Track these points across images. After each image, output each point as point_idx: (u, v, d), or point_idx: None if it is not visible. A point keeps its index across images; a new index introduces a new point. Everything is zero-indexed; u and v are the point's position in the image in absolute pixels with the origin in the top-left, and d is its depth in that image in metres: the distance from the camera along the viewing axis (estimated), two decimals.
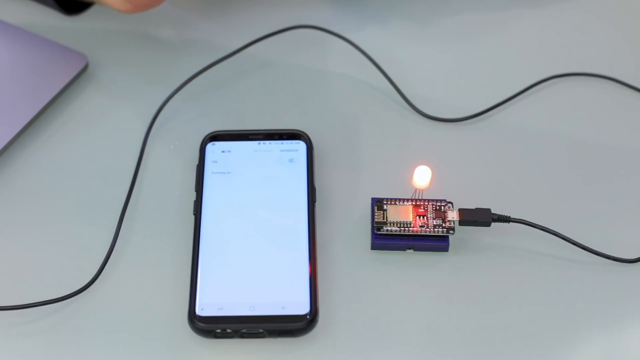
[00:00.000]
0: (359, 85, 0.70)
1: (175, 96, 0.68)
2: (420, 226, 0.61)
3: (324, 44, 0.72)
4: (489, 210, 0.61)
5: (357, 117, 0.68)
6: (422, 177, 0.61)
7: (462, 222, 0.61)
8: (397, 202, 0.62)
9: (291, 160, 0.64)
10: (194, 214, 0.62)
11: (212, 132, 0.65)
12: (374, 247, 0.61)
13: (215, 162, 0.64)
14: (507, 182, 0.65)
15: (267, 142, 0.65)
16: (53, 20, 0.72)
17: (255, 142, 0.65)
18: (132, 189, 0.64)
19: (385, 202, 0.62)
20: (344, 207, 0.63)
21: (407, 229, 0.61)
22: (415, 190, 0.61)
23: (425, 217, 0.61)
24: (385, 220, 0.61)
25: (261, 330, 0.57)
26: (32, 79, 0.68)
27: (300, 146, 0.65)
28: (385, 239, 0.61)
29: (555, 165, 0.66)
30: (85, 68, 0.69)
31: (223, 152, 0.65)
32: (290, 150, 0.65)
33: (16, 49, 0.69)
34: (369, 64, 0.70)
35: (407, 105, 0.69)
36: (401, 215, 0.61)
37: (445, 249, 0.61)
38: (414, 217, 0.61)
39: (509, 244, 0.62)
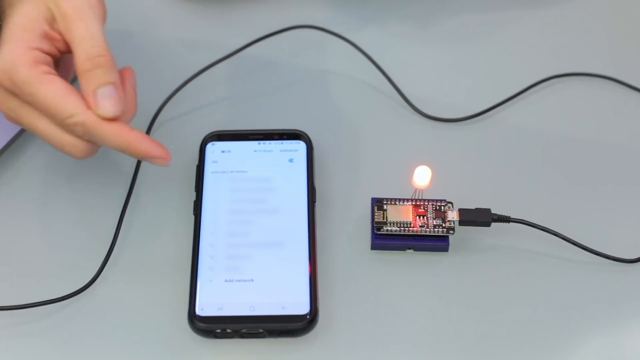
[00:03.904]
0: (359, 85, 0.70)
1: (175, 96, 0.68)
2: (420, 226, 0.61)
3: (324, 44, 0.72)
4: (489, 210, 0.61)
5: (357, 117, 0.68)
6: (422, 177, 0.61)
7: (462, 222, 0.61)
8: (397, 202, 0.62)
9: (291, 160, 0.64)
10: (194, 214, 0.62)
11: (212, 132, 0.65)
12: (374, 247, 0.61)
13: (215, 162, 0.64)
14: (507, 182, 0.65)
15: (267, 142, 0.65)
16: None
17: (255, 142, 0.65)
18: (132, 189, 0.64)
19: (385, 202, 0.62)
20: (344, 207, 0.63)
21: (407, 229, 0.61)
22: (415, 190, 0.61)
23: (425, 217, 0.61)
24: (385, 220, 0.61)
25: (261, 330, 0.57)
26: None
27: (300, 146, 0.65)
28: (385, 239, 0.61)
29: (555, 165, 0.66)
30: None
31: (223, 152, 0.65)
32: (290, 150, 0.65)
33: None
34: (369, 64, 0.70)
35: (407, 105, 0.69)
36: (401, 215, 0.61)
37: (445, 249, 0.61)
38: (414, 217, 0.61)
39: (509, 244, 0.62)
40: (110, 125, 0.56)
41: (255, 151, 0.65)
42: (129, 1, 0.73)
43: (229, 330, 0.57)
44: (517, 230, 0.61)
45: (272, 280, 0.59)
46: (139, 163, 0.65)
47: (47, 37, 0.57)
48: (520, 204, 0.63)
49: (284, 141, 0.65)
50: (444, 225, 0.61)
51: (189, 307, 0.58)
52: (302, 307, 0.57)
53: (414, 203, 0.62)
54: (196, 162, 0.64)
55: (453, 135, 0.68)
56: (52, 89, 0.55)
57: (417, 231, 0.61)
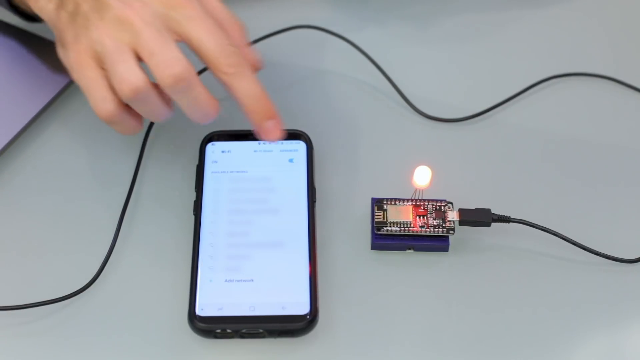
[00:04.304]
0: (359, 85, 0.70)
1: None
2: (420, 226, 0.61)
3: (324, 44, 0.72)
4: (489, 210, 0.61)
5: (357, 117, 0.68)
6: (422, 177, 0.61)
7: (462, 222, 0.61)
8: (397, 202, 0.62)
9: (291, 160, 0.64)
10: (194, 214, 0.62)
11: (212, 132, 0.65)
12: (374, 247, 0.61)
13: (215, 162, 0.64)
14: (507, 182, 0.65)
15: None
16: None
17: (255, 142, 0.65)
18: (132, 189, 0.64)
19: (385, 202, 0.62)
20: (344, 207, 0.63)
21: (407, 229, 0.61)
22: (415, 190, 0.61)
23: (425, 217, 0.61)
24: (385, 220, 0.61)
25: (261, 330, 0.57)
26: (32, 79, 0.68)
27: (300, 146, 0.65)
28: (385, 239, 0.61)
29: (555, 165, 0.66)
30: None
31: (223, 152, 0.65)
32: (290, 150, 0.65)
33: (17, 49, 0.69)
34: (369, 64, 0.70)
35: (407, 105, 0.69)
36: (401, 215, 0.61)
37: (445, 249, 0.61)
38: (414, 217, 0.61)
39: (509, 244, 0.62)
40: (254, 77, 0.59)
41: (255, 151, 0.65)
42: None
43: (229, 331, 0.57)
44: (517, 230, 0.61)
45: (272, 280, 0.59)
46: (139, 163, 0.65)
47: None
48: (520, 204, 0.63)
49: (284, 141, 0.65)
50: (444, 225, 0.61)
51: (189, 307, 0.58)
52: (302, 307, 0.57)
53: (414, 203, 0.62)
54: (196, 162, 0.64)
55: (453, 135, 0.68)
56: None
57: (417, 231, 0.61)
